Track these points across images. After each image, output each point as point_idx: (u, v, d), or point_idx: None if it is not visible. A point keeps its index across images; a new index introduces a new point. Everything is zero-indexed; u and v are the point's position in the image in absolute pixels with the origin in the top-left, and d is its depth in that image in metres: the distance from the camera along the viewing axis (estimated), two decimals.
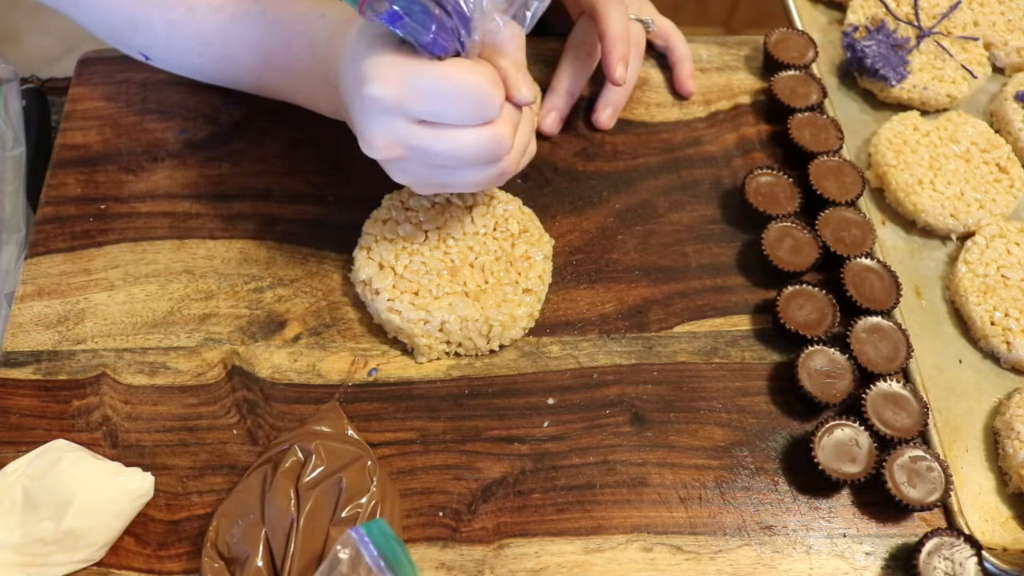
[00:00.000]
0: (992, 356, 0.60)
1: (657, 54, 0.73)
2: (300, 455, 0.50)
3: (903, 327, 0.58)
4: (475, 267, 0.57)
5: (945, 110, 0.71)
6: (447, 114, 0.46)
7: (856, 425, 0.54)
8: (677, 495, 0.53)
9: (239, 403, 0.55)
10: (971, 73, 0.71)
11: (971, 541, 0.50)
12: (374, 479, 0.50)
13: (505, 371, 0.57)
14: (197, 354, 0.57)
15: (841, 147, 0.66)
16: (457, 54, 0.47)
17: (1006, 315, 0.59)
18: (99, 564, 0.50)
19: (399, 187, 0.59)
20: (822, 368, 0.56)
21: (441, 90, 0.45)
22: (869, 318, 0.57)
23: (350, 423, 0.53)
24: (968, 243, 0.63)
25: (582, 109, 0.69)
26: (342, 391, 0.56)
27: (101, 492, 0.49)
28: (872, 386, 0.55)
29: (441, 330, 0.55)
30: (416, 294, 0.56)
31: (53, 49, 1.65)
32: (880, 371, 0.55)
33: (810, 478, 0.53)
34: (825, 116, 0.67)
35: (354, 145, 0.50)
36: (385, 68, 0.46)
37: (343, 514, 0.49)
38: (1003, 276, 0.61)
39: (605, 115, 0.68)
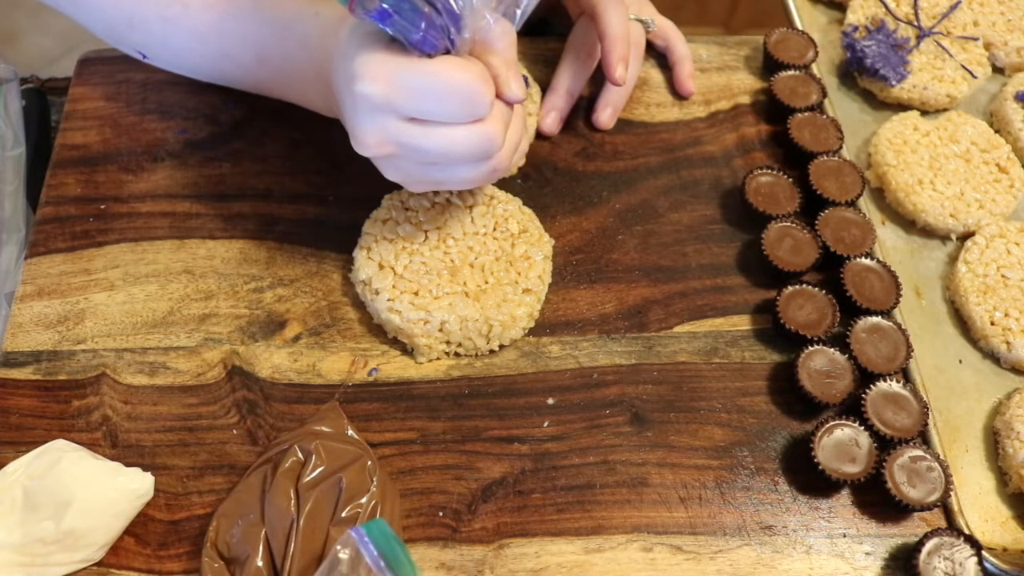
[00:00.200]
0: (992, 356, 0.60)
1: (657, 54, 0.73)
2: (300, 455, 0.50)
3: (903, 327, 0.58)
4: (475, 267, 0.57)
5: (945, 110, 0.71)
6: (437, 112, 0.46)
7: (856, 425, 0.54)
8: (677, 495, 0.53)
9: (239, 403, 0.55)
10: (971, 73, 0.71)
11: (971, 541, 0.50)
12: (374, 479, 0.50)
13: (505, 371, 0.57)
14: (197, 354, 0.57)
15: (841, 147, 0.66)
16: (447, 52, 0.46)
17: (1006, 315, 0.59)
18: (99, 564, 0.50)
19: (399, 187, 0.59)
20: (822, 368, 0.56)
21: (431, 88, 0.45)
22: (869, 318, 0.57)
23: (350, 423, 0.53)
24: (968, 243, 0.63)
25: (582, 109, 0.69)
26: (342, 391, 0.56)
27: (101, 492, 0.49)
28: (872, 386, 0.55)
29: (441, 330, 0.55)
30: (416, 294, 0.56)
31: (53, 49, 1.65)
32: (880, 371, 0.55)
33: (810, 478, 0.53)
34: (825, 116, 0.67)
35: None
36: (375, 66, 0.46)
37: (343, 514, 0.49)
38: (1003, 276, 0.61)
39: (605, 115, 0.68)
